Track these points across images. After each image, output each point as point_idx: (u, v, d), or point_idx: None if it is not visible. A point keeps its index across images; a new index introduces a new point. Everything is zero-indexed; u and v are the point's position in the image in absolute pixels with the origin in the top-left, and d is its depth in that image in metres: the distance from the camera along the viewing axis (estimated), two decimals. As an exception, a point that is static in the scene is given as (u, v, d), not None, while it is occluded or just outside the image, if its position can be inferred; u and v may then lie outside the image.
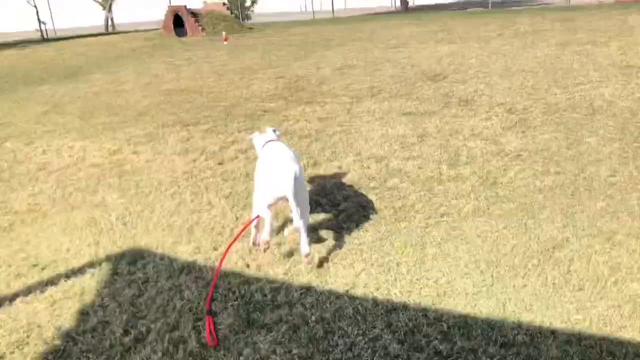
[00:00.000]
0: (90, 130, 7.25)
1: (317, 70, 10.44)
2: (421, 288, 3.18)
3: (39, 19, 28.66)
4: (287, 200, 3.33)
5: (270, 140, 3.95)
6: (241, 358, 2.69)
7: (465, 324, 2.82)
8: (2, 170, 5.95)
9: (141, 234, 4.18)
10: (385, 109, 7.13)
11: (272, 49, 13.85)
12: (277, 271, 3.47)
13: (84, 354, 2.81)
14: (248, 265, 3.58)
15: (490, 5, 25.37)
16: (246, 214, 4.35)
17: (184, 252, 3.84)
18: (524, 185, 4.47)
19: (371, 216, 4.16)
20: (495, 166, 4.92)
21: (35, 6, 28.71)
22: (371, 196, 4.50)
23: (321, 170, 5.14)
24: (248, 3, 29.26)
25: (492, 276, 3.24)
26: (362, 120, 6.70)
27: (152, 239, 4.09)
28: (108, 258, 3.86)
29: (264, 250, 3.61)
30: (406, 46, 12.55)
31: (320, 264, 3.51)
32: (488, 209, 4.13)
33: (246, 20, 27.37)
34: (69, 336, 2.97)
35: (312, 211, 4.01)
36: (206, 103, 8.35)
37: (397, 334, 2.76)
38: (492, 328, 2.77)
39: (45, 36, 28.15)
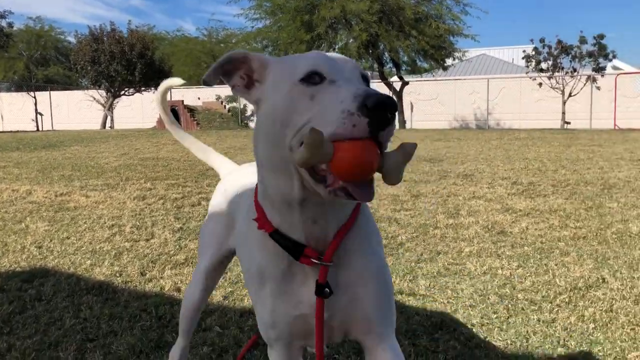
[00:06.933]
0: (46, 180, 6.46)
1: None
2: (409, 317, 2.27)
3: (36, 109, 27.82)
4: None
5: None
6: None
7: (471, 356, 1.89)
8: None
9: (55, 257, 3.28)
10: (375, 177, 6.40)
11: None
12: (213, 294, 2.57)
13: None
14: (179, 290, 2.68)
15: (488, 127, 25.61)
16: (192, 244, 3.47)
17: (100, 274, 2.93)
18: (539, 235, 3.62)
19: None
20: (502, 219, 4.10)
21: (35, 97, 28.11)
22: (351, 235, 3.65)
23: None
24: (249, 113, 29.62)
25: (507, 308, 2.34)
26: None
27: (66, 261, 3.19)
28: (-2, 275, 2.94)
29: None
30: (394, 144, 12.10)
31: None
32: (496, 251, 3.27)
33: (245, 126, 27.49)
34: None
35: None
36: (182, 167, 7.65)
37: None
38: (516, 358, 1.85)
39: (40, 128, 27.21)
